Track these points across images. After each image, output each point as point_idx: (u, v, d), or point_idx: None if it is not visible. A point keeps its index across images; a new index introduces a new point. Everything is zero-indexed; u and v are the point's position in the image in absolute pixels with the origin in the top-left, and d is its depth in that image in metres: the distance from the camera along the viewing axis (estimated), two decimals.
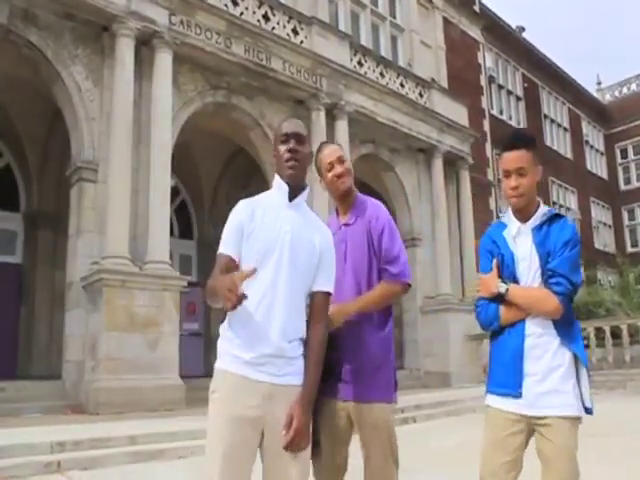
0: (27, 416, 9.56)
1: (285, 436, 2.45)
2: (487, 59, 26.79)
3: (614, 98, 39.36)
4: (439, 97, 19.62)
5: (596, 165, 36.64)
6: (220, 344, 2.61)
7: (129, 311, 10.70)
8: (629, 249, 35.49)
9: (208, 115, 14.20)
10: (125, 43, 11.67)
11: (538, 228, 2.87)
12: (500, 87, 28.20)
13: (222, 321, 2.66)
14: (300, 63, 14.96)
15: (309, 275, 2.64)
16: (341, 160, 3.28)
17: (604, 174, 37.13)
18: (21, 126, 16.00)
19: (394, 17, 20.33)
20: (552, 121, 32.12)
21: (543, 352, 2.76)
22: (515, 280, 2.86)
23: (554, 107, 32.92)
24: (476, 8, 26.02)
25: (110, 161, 11.33)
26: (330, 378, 2.96)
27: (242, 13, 13.94)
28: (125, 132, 11.42)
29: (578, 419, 2.74)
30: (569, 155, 32.88)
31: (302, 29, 15.46)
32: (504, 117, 27.88)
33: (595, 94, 39.33)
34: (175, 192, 17.19)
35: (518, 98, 29.43)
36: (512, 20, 31.45)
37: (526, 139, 2.94)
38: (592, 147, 36.41)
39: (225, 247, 2.63)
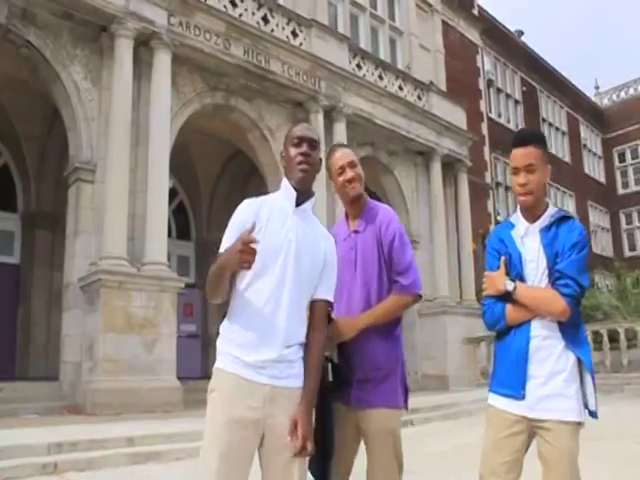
0: (24, 417, 9.53)
1: (293, 443, 2.45)
2: (486, 62, 26.84)
3: (612, 102, 39.43)
4: (438, 100, 19.63)
5: (594, 169, 36.70)
6: (220, 343, 2.60)
7: (126, 312, 10.68)
8: (627, 253, 35.53)
9: (207, 116, 14.20)
10: (124, 44, 11.66)
11: (546, 229, 2.85)
12: (499, 90, 28.24)
13: (221, 320, 2.65)
14: (299, 65, 14.96)
15: (312, 283, 2.64)
16: (352, 165, 3.23)
17: (602, 178, 37.19)
18: (19, 126, 15.98)
19: (393, 20, 20.35)
20: (550, 125, 32.17)
21: (547, 355, 2.75)
22: (522, 280, 2.84)
23: (552, 111, 32.98)
24: (475, 12, 26.09)
25: (108, 161, 11.32)
26: (339, 384, 2.96)
27: (241, 15, 13.94)
28: (123, 133, 11.41)
29: (580, 424, 2.72)
30: (567, 159, 32.93)
31: (301, 31, 15.46)
32: (502, 120, 27.93)
33: (593, 98, 39.40)
34: (173, 193, 17.15)
35: (517, 101, 29.49)
36: (511, 24, 31.57)
37: (536, 136, 2.93)
38: (590, 151, 36.47)
39: (227, 245, 2.59)
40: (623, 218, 36.78)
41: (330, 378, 2.95)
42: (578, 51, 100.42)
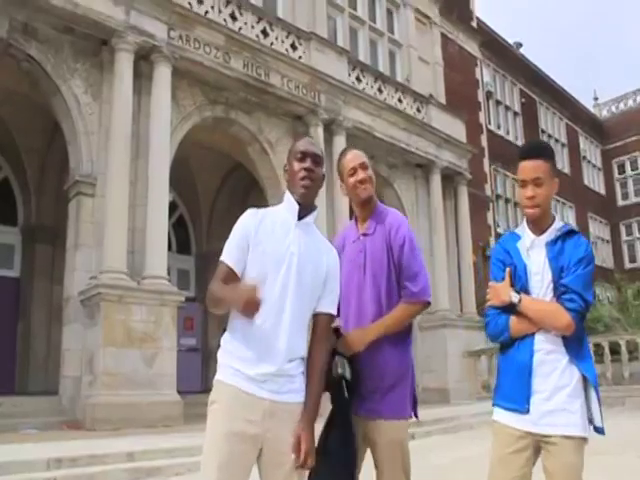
0: (24, 432, 9.49)
1: (296, 458, 2.47)
2: (485, 74, 26.93)
3: (611, 114, 39.56)
4: (437, 112, 19.68)
5: (594, 180, 36.76)
6: (221, 356, 2.59)
7: (127, 326, 10.65)
8: (627, 265, 35.51)
9: (206, 130, 14.23)
10: (124, 57, 11.69)
11: (553, 242, 2.84)
12: (498, 102, 28.32)
13: (222, 333, 2.65)
14: (298, 78, 15.00)
15: (314, 296, 2.64)
16: (364, 166, 3.25)
17: (602, 189, 37.25)
18: (20, 139, 16.02)
19: (392, 33, 20.44)
20: (550, 136, 32.23)
21: (551, 369, 2.73)
22: (527, 293, 2.83)
23: (552, 122, 33.08)
24: (474, 24, 26.21)
25: (108, 175, 11.33)
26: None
27: (241, 28, 13.99)
28: (123, 146, 11.42)
29: (584, 439, 2.71)
30: (567, 170, 32.97)
31: (301, 44, 15.52)
32: (502, 132, 27.99)
33: (592, 109, 39.52)
34: (173, 206, 17.16)
35: (516, 113, 29.57)
36: (510, 36, 31.69)
37: (544, 149, 2.91)
38: (589, 162, 36.54)
39: (228, 256, 2.61)
40: (623, 229, 36.79)
41: (346, 395, 2.93)
42: (577, 63, 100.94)
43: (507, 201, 27.13)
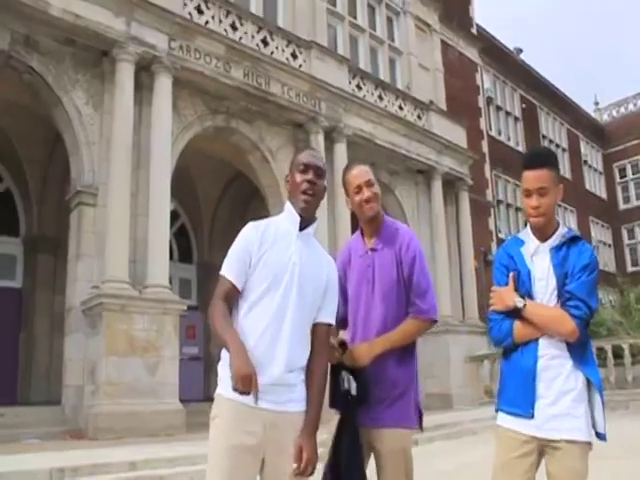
0: (26, 442, 9.50)
1: (297, 468, 2.47)
2: (485, 80, 26.97)
3: (612, 118, 39.57)
4: (437, 119, 19.71)
5: (595, 185, 36.75)
6: (221, 369, 2.59)
7: (129, 335, 10.67)
8: (629, 268, 35.45)
9: (207, 139, 14.26)
10: (125, 68, 11.75)
11: (557, 249, 2.85)
12: (498, 108, 28.34)
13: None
14: (299, 87, 15.05)
15: (314, 306, 2.65)
16: (370, 184, 3.23)
17: (603, 194, 37.22)
18: (21, 150, 16.08)
19: (392, 40, 20.49)
20: (551, 141, 32.22)
21: (556, 375, 2.74)
22: (531, 298, 2.83)
23: (552, 127, 33.08)
24: (473, 30, 26.25)
25: (110, 185, 11.37)
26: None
27: (241, 38, 14.05)
28: (125, 156, 11.46)
29: (588, 444, 2.71)
30: (568, 175, 32.94)
31: (301, 53, 15.57)
32: (503, 138, 27.99)
33: (593, 114, 39.53)
34: (175, 215, 17.22)
35: (516, 119, 29.58)
36: (510, 42, 31.72)
37: (548, 157, 2.91)
38: (591, 167, 36.53)
39: (229, 270, 2.61)
40: (625, 233, 36.75)
41: (353, 412, 2.95)
42: (577, 67, 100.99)
43: (508, 206, 27.12)
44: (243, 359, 2.39)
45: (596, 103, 40.55)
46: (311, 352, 2.65)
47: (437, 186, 19.18)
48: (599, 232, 35.51)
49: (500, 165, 25.80)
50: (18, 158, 16.19)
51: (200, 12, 13.36)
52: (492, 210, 25.02)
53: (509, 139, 28.56)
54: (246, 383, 2.33)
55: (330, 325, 2.74)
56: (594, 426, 2.75)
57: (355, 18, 19.16)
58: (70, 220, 11.99)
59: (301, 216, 2.68)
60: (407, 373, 3.14)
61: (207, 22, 13.38)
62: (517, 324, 2.81)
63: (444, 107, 21.00)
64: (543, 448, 2.75)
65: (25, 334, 16.04)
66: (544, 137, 31.70)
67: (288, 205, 2.75)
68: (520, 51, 32.01)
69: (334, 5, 18.35)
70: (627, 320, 23.47)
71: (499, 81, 28.67)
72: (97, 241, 11.35)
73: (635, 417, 13.85)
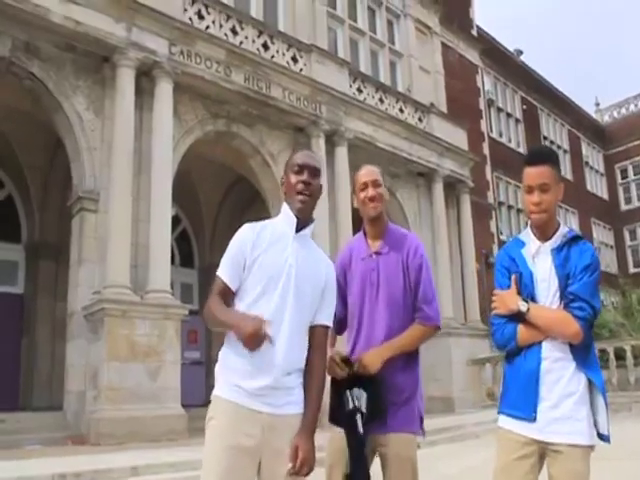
0: (28, 448, 9.51)
1: (292, 467, 2.46)
2: (486, 82, 26.97)
3: (613, 119, 39.53)
4: (438, 121, 19.73)
5: (596, 186, 36.71)
6: (218, 371, 2.61)
7: (130, 340, 10.68)
8: (631, 269, 35.39)
9: (208, 143, 14.28)
10: (125, 73, 11.77)
11: (559, 249, 2.84)
12: (499, 110, 28.33)
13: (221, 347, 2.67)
14: (300, 90, 15.06)
15: (312, 309, 2.65)
16: (376, 184, 3.28)
17: (605, 195, 37.18)
18: (22, 156, 16.10)
19: (393, 43, 20.50)
20: (552, 143, 32.16)
21: (558, 377, 2.73)
22: (533, 300, 2.82)
23: (553, 129, 33.07)
24: (474, 32, 26.25)
25: (111, 191, 11.39)
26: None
27: (242, 42, 14.07)
28: (126, 162, 11.48)
29: (590, 447, 2.71)
30: (569, 176, 32.91)
31: (301, 57, 15.59)
32: (504, 140, 27.98)
33: (594, 115, 39.51)
34: (176, 220, 17.23)
35: (517, 120, 29.56)
36: (510, 42, 31.71)
37: (549, 155, 2.92)
38: (592, 168, 36.48)
39: (224, 271, 2.62)
40: (627, 234, 36.69)
41: (361, 430, 2.94)
42: (577, 66, 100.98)
43: (510, 208, 27.10)
44: (244, 319, 2.42)
45: (597, 104, 40.53)
46: (309, 354, 2.65)
47: (438, 189, 19.18)
48: (601, 233, 35.47)
49: (501, 167, 25.80)
50: (19, 164, 16.21)
51: (200, 17, 13.39)
52: (493, 212, 25.01)
53: (510, 141, 28.55)
54: (256, 339, 2.35)
55: (328, 327, 2.73)
56: (598, 428, 2.74)
57: (355, 21, 19.19)
58: (72, 226, 12.00)
59: (298, 217, 2.68)
60: (412, 378, 3.17)
61: (207, 27, 13.41)
62: (520, 327, 2.80)
63: (445, 109, 21.01)
64: (544, 451, 2.74)
65: (27, 340, 16.05)
66: (545, 138, 31.67)
67: (285, 206, 2.74)
68: (520, 53, 32.00)
69: (334, 8, 18.37)
70: (629, 322, 23.44)
71: (500, 83, 28.67)
72: (99, 247, 11.36)
73: (638, 419, 13.83)
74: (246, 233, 2.67)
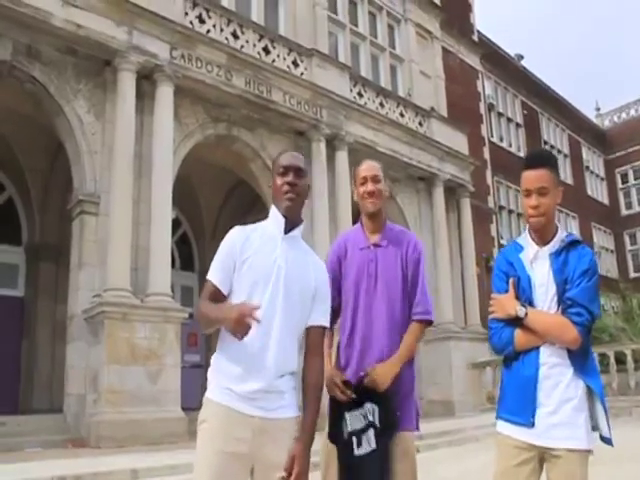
0: (28, 450, 9.51)
1: (287, 477, 2.44)
2: (486, 87, 27.00)
3: (613, 123, 39.57)
4: (439, 126, 19.74)
5: (597, 190, 36.72)
6: (210, 374, 2.60)
7: (130, 343, 10.69)
8: (632, 274, 35.38)
9: (209, 147, 14.30)
10: (127, 77, 11.80)
11: (557, 254, 2.83)
12: (500, 114, 28.35)
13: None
14: (300, 95, 15.09)
15: (304, 310, 2.62)
16: (375, 179, 3.31)
17: (605, 199, 37.19)
18: (23, 159, 16.12)
19: (393, 48, 20.54)
20: (552, 147, 32.18)
21: (557, 382, 2.72)
22: (531, 305, 2.81)
23: (554, 133, 33.09)
24: (474, 37, 26.28)
25: (112, 194, 11.41)
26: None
27: (242, 46, 14.10)
28: (127, 165, 11.50)
29: (589, 452, 2.71)
30: (569, 181, 32.93)
31: (302, 61, 15.62)
32: (504, 144, 28.00)
33: (594, 120, 39.54)
34: (176, 224, 17.23)
35: (518, 125, 29.58)
36: (510, 45, 31.71)
37: (548, 158, 2.91)
38: (592, 172, 36.50)
39: (214, 274, 2.63)
40: (627, 239, 36.70)
41: (374, 445, 2.96)
42: (577, 68, 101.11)
43: (510, 212, 27.11)
44: (230, 307, 2.40)
45: (597, 109, 40.58)
46: (305, 355, 2.64)
47: (439, 193, 19.19)
48: (601, 238, 35.48)
49: (502, 171, 25.81)
50: (20, 167, 16.23)
51: (201, 21, 13.42)
52: (494, 216, 25.02)
53: (510, 145, 28.57)
54: (242, 324, 2.31)
55: (324, 327, 2.71)
56: (600, 432, 2.74)
57: (356, 26, 19.23)
58: (72, 229, 12.02)
59: (286, 218, 2.67)
60: (410, 377, 3.21)
61: (208, 31, 13.44)
62: (518, 332, 2.79)
63: (445, 114, 21.03)
64: (543, 456, 2.74)
65: (27, 342, 16.05)
66: (545, 143, 31.69)
67: (273, 209, 2.75)
68: (521, 57, 32.05)
69: (335, 13, 18.41)
70: (630, 326, 23.42)
71: (500, 87, 28.70)
72: (99, 250, 11.37)
73: (638, 423, 13.79)
74: (236, 235, 2.67)
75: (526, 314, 2.76)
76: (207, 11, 13.62)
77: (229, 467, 2.43)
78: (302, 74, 15.44)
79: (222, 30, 13.81)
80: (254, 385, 2.46)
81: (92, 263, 11.35)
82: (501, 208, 26.49)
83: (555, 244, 2.84)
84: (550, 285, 2.79)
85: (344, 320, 3.29)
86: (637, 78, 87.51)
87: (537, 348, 2.76)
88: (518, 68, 30.78)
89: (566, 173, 32.96)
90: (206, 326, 2.57)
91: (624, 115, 39.21)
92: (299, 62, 15.54)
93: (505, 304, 2.84)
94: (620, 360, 17.03)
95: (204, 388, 2.66)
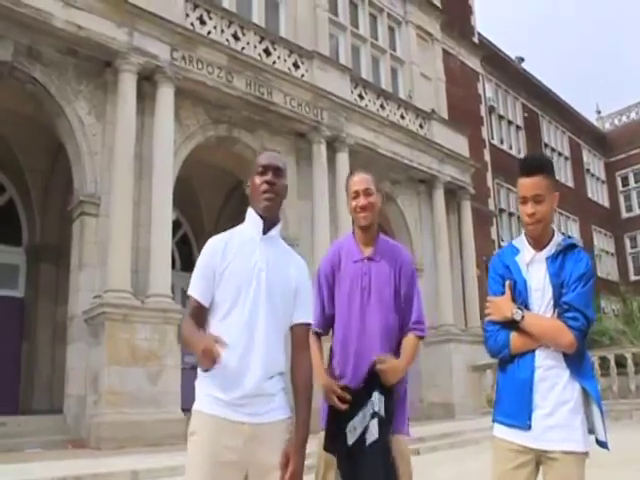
0: (28, 451, 9.52)
1: (281, 477, 2.42)
2: (487, 89, 27.01)
3: (614, 126, 39.59)
4: (439, 128, 19.76)
5: (597, 193, 36.74)
6: (198, 384, 2.56)
7: (131, 344, 10.68)
8: (632, 277, 35.40)
9: (210, 148, 14.31)
10: (127, 78, 11.81)
11: (553, 258, 2.81)
12: (500, 117, 28.37)
13: None
14: (301, 96, 15.09)
15: (287, 310, 2.61)
16: (367, 193, 3.29)
17: (605, 202, 37.20)
18: (24, 160, 16.11)
19: (394, 50, 20.56)
20: (552, 150, 32.24)
21: (552, 385, 2.71)
22: (527, 308, 2.80)
23: (554, 136, 33.10)
24: (475, 39, 26.30)
25: (112, 195, 11.42)
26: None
27: (243, 48, 14.11)
28: (127, 166, 11.51)
29: (585, 454, 2.70)
30: (570, 184, 32.96)
31: (303, 63, 15.63)
32: (505, 147, 28.02)
33: (595, 122, 39.56)
34: (177, 225, 17.23)
35: (518, 127, 29.59)
36: (511, 50, 31.75)
37: (544, 165, 2.87)
38: (593, 175, 36.52)
39: (193, 288, 2.60)
40: (628, 242, 36.71)
41: (376, 435, 2.98)
42: (578, 69, 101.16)
43: (511, 215, 27.11)
44: (199, 338, 2.38)
45: (598, 111, 40.59)
46: (293, 354, 2.63)
47: (439, 195, 19.19)
48: (602, 241, 35.49)
49: (502, 174, 25.82)
50: (20, 168, 16.23)
51: (202, 22, 13.43)
52: (494, 219, 25.03)
53: (511, 147, 28.58)
54: (208, 357, 2.29)
55: (308, 325, 2.70)
56: (596, 436, 2.73)
57: (357, 28, 19.26)
58: (72, 230, 12.02)
59: (264, 218, 2.66)
60: (404, 383, 3.25)
61: (209, 32, 13.46)
62: (514, 335, 2.78)
63: (446, 116, 21.05)
64: (540, 458, 2.73)
65: (27, 343, 16.04)
66: (546, 145, 31.72)
67: (249, 211, 2.74)
68: (522, 60, 32.07)
69: (336, 15, 18.42)
70: (630, 329, 23.42)
71: (501, 90, 28.72)
72: (99, 251, 11.38)
73: (638, 427, 13.79)
74: (214, 245, 2.65)
75: (523, 317, 2.75)
76: (208, 12, 13.63)
77: (221, 476, 2.41)
78: (303, 76, 15.45)
79: (223, 31, 13.82)
80: (242, 391, 2.44)
81: (92, 264, 11.36)
82: (501, 211, 26.50)
83: (551, 248, 2.83)
84: (546, 289, 2.78)
85: (337, 332, 3.31)
86: (637, 79, 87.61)
87: (532, 351, 2.75)
88: (518, 70, 30.81)
89: (567, 176, 32.98)
90: (185, 347, 2.60)
91: (625, 118, 39.23)
92: (300, 64, 15.55)
93: (502, 306, 2.83)
94: (620, 363, 17.03)
95: None
